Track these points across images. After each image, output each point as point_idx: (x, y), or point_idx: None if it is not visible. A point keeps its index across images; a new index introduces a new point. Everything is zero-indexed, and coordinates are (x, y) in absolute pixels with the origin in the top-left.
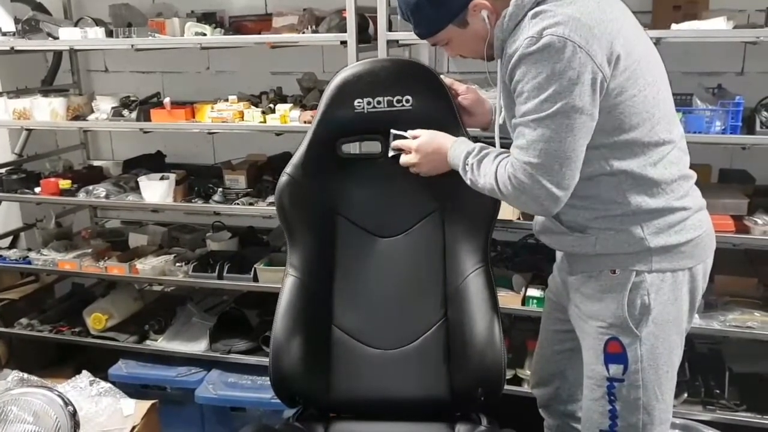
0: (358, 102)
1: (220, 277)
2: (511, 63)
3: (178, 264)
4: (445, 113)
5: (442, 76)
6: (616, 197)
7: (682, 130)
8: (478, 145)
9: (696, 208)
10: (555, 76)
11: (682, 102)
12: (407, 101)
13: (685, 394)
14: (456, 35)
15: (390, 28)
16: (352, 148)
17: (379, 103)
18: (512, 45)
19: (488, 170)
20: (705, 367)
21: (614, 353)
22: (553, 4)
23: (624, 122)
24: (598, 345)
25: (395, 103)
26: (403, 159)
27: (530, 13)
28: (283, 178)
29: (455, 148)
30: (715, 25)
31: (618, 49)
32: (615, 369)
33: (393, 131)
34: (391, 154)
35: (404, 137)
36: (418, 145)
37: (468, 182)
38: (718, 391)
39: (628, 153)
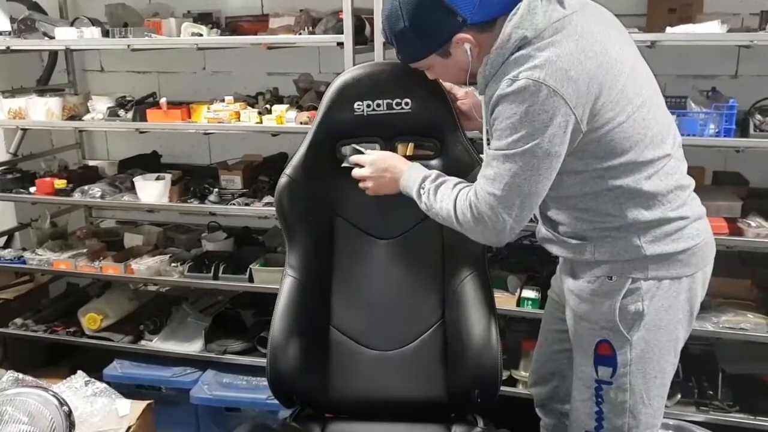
0: (358, 104)
1: (215, 277)
2: (491, 103)
3: (173, 264)
4: (444, 116)
5: (441, 80)
6: (613, 211)
7: (679, 138)
8: (435, 172)
9: (694, 217)
10: (528, 117)
11: (677, 105)
12: (406, 104)
13: (679, 395)
14: (438, 63)
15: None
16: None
17: (378, 105)
18: (493, 87)
19: (446, 197)
20: (698, 368)
21: (604, 356)
22: (531, 48)
23: (615, 148)
24: (589, 347)
25: (394, 106)
26: (355, 172)
27: (511, 59)
28: (283, 179)
29: (411, 172)
30: (710, 29)
31: (597, 85)
32: (604, 371)
33: (354, 145)
34: (344, 165)
35: (362, 152)
36: (372, 160)
37: (422, 206)
38: (711, 392)
39: (622, 172)
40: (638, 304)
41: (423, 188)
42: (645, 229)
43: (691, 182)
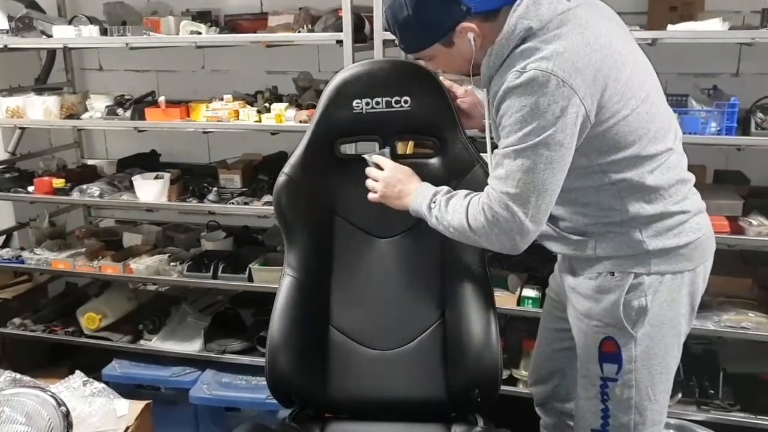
0: (357, 102)
1: (214, 276)
2: (497, 98)
3: (172, 263)
4: (444, 114)
5: (441, 78)
6: (615, 205)
7: (680, 132)
8: (445, 187)
9: (695, 211)
10: (539, 109)
11: (678, 103)
12: (405, 102)
13: (680, 395)
14: (440, 53)
15: (386, 28)
16: (349, 148)
17: (377, 103)
18: (498, 80)
19: (458, 206)
20: (699, 367)
21: (609, 353)
22: (537, 41)
23: (620, 142)
24: (593, 344)
25: (394, 104)
26: (372, 172)
27: (516, 51)
28: (281, 178)
29: (422, 189)
30: (711, 26)
31: (603, 78)
32: (609, 368)
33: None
34: (366, 157)
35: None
36: (393, 167)
37: (433, 220)
38: (712, 392)
39: (625, 166)
40: (642, 300)
41: (434, 202)
42: (647, 223)
43: (692, 177)
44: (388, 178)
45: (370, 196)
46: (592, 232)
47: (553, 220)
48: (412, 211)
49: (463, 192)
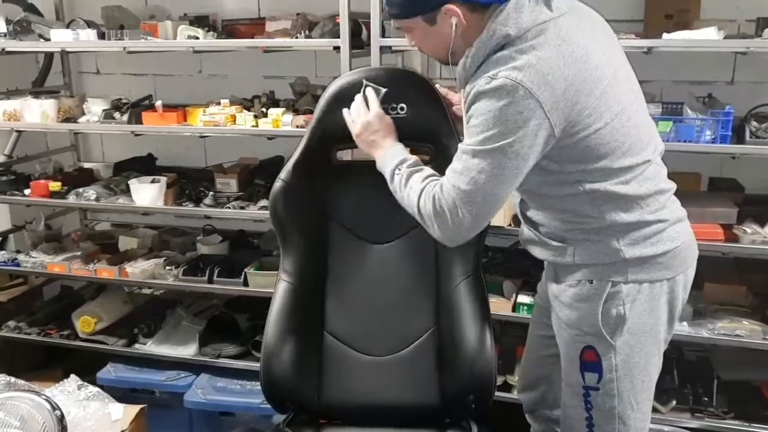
0: None
1: (210, 280)
2: (468, 100)
3: (168, 267)
4: (439, 121)
5: (436, 86)
6: (591, 212)
7: (661, 146)
8: (414, 158)
9: (673, 220)
10: (502, 116)
11: (673, 111)
12: (402, 109)
13: (674, 402)
14: (421, 28)
15: (383, 34)
16: (346, 155)
17: None
18: (472, 83)
19: (415, 185)
20: (693, 374)
21: (589, 362)
22: (513, 50)
23: (592, 153)
24: (575, 353)
25: (390, 111)
26: (356, 108)
27: (492, 58)
28: (278, 184)
29: (393, 149)
30: (707, 35)
31: (574, 93)
32: (590, 377)
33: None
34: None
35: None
36: (377, 114)
37: (392, 186)
38: (706, 399)
39: (598, 177)
40: (620, 308)
41: (398, 170)
42: (624, 231)
43: (672, 186)
44: (369, 124)
45: (350, 123)
46: (570, 238)
47: (534, 225)
48: (378, 166)
49: (426, 171)
